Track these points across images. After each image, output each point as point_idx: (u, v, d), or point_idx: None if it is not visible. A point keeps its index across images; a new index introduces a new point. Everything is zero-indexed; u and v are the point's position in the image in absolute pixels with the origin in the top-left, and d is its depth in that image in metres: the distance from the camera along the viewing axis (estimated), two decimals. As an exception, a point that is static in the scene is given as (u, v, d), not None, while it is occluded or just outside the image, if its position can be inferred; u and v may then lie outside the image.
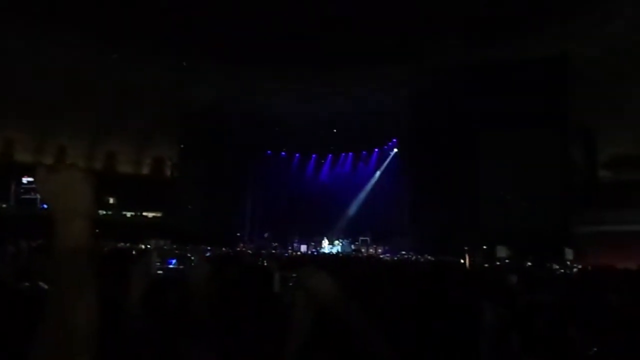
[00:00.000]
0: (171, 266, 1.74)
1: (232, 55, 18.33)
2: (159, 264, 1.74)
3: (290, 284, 1.64)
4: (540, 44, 16.93)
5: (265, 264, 5.80)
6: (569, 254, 15.27)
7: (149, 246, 17.91)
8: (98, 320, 0.96)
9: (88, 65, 20.67)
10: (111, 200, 24.00)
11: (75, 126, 23.84)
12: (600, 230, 17.48)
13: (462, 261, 13.65)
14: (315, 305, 1.50)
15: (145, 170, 26.68)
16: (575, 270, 11.00)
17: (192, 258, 1.75)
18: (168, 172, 27.00)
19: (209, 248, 17.49)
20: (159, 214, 25.47)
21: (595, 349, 2.04)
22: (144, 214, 24.82)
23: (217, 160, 23.13)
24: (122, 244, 15.49)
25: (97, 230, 1.03)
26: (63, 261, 0.97)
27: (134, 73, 20.88)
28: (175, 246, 18.89)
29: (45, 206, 1.04)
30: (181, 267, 1.74)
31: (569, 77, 17.55)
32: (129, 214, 24.15)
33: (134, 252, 8.77)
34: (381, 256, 17.73)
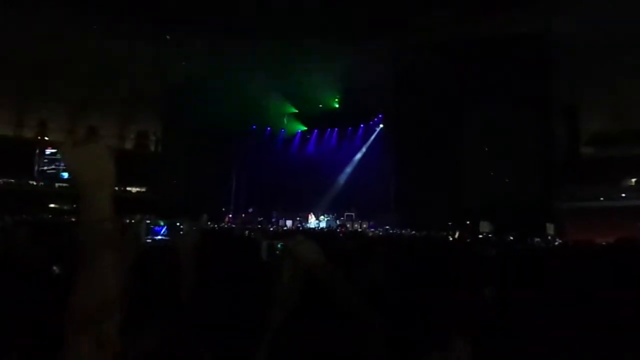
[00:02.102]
0: (160, 236, 1.76)
1: (215, 29, 18.07)
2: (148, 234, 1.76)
3: (277, 252, 1.67)
4: (524, 20, 16.93)
5: (252, 236, 5.85)
6: (550, 229, 15.54)
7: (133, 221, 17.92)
8: (125, 283, 1.03)
9: (68, 38, 20.24)
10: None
11: (56, 100, 23.45)
12: (581, 206, 17.81)
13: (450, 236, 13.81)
14: (303, 272, 1.53)
15: (128, 145, 26.43)
16: (556, 244, 11.22)
17: (181, 226, 1.77)
18: (152, 147, 26.80)
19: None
20: (143, 189, 25.36)
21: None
22: (128, 189, 24.69)
23: (201, 135, 22.96)
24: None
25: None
26: (90, 231, 1.03)
27: (115, 46, 20.48)
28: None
29: (65, 176, 1.09)
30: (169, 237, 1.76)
31: (551, 53, 17.63)
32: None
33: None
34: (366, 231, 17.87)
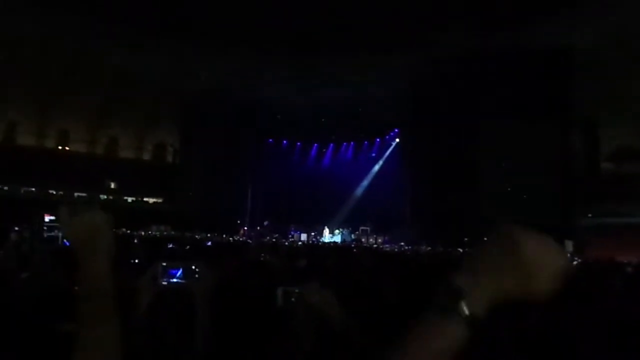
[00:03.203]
0: (176, 279, 1.78)
1: (234, 42, 18.23)
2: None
3: (293, 299, 1.68)
4: (543, 34, 16.82)
5: (267, 257, 5.85)
6: (569, 246, 15.31)
7: (150, 232, 18.07)
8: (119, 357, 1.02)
9: (89, 49, 20.63)
10: (112, 185, 24.14)
11: (77, 110, 23.85)
12: (601, 223, 17.52)
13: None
14: (317, 320, 1.54)
15: (146, 156, 26.73)
16: (575, 262, 11.04)
17: (197, 270, 1.79)
18: (169, 158, 27.07)
19: (208, 235, 17.63)
20: (160, 200, 25.58)
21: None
22: (145, 199, 24.94)
23: (218, 147, 23.17)
24: (123, 229, 15.59)
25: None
26: (85, 300, 1.02)
27: (135, 58, 20.82)
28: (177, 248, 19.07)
29: (67, 243, 1.09)
30: (185, 280, 1.78)
31: (571, 67, 17.49)
32: (130, 199, 24.26)
33: (135, 241, 8.84)
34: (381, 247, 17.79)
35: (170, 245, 6.69)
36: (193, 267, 1.76)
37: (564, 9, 15.43)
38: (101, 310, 1.02)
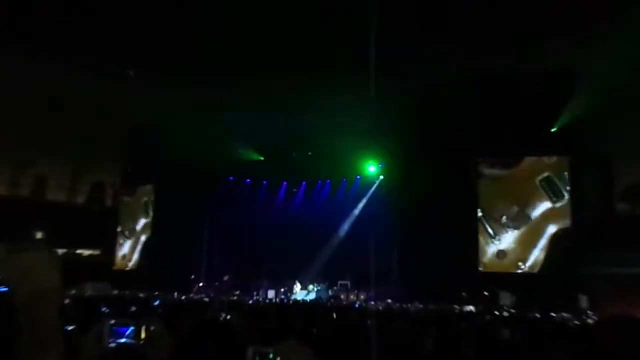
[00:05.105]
0: (125, 338, 1.77)
1: (184, 62, 18.20)
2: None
3: (269, 361, 1.67)
4: (548, 56, 17.22)
5: (229, 317, 5.79)
6: (584, 301, 15.49)
7: (84, 292, 17.65)
8: None
9: (11, 75, 20.35)
10: (39, 235, 23.61)
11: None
12: (619, 273, 17.75)
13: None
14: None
15: (81, 199, 26.34)
16: (591, 321, 11.18)
17: (152, 329, 1.78)
18: (109, 201, 26.75)
19: (156, 294, 17.33)
20: (96, 252, 25.15)
21: None
22: (79, 251, 24.47)
23: (168, 187, 23.04)
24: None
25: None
26: (26, 353, 0.99)
27: (67, 83, 20.58)
28: (116, 292, 18.66)
29: (5, 289, 1.04)
30: (136, 341, 1.77)
31: (580, 94, 17.94)
32: (60, 252, 23.75)
33: (66, 302, 8.64)
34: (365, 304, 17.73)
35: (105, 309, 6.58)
36: (145, 326, 1.74)
37: (571, 29, 15.76)
38: None
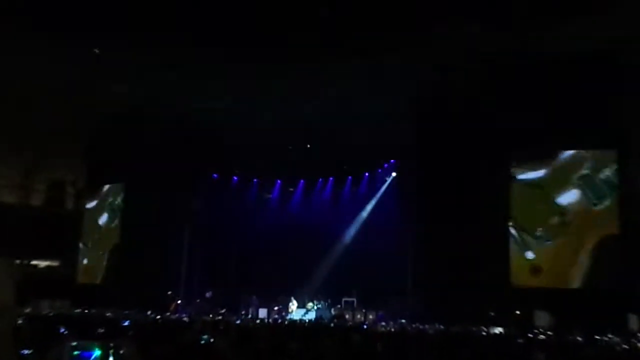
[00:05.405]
0: (91, 362, 1.77)
1: (162, 40, 18.16)
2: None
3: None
4: (589, 36, 17.12)
5: (212, 341, 5.80)
6: (634, 321, 15.49)
7: (40, 310, 17.68)
8: None
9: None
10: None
11: None
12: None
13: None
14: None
15: (36, 201, 26.38)
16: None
17: (121, 352, 1.78)
18: (70, 203, 26.76)
19: (126, 312, 17.34)
20: (55, 263, 25.16)
21: None
22: (34, 262, 24.49)
23: (140, 186, 22.95)
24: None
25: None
26: None
27: (20, 68, 20.46)
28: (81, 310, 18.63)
29: None
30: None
31: (627, 80, 17.84)
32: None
33: (20, 322, 8.65)
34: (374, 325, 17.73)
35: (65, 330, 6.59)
36: (114, 350, 1.74)
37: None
38: None
